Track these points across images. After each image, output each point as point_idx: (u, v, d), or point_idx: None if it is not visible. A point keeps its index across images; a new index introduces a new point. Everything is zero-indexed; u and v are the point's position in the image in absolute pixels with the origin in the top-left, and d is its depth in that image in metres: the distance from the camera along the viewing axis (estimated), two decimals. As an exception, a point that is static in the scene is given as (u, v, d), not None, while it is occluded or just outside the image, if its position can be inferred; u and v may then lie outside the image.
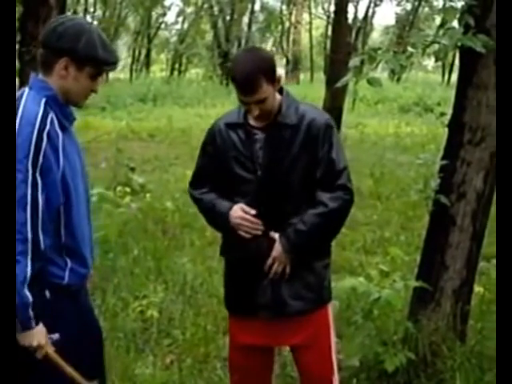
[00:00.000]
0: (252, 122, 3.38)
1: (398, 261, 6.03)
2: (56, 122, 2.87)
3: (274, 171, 3.32)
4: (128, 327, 5.48)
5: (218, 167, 3.45)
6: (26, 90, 2.91)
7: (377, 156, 14.40)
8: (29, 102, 2.84)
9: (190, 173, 11.90)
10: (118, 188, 10.05)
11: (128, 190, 10.09)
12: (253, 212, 3.33)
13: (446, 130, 4.86)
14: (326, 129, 3.31)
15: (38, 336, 2.83)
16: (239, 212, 3.35)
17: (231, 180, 3.41)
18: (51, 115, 2.85)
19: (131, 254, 7.29)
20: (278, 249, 3.33)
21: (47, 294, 2.90)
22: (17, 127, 2.72)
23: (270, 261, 3.34)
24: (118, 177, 10.99)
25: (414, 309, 4.94)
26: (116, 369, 4.73)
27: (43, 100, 2.86)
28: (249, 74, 3.17)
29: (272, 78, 3.24)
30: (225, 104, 27.27)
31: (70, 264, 2.99)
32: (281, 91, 3.41)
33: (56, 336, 2.94)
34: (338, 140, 3.37)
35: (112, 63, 3.00)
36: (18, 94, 2.89)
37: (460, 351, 4.75)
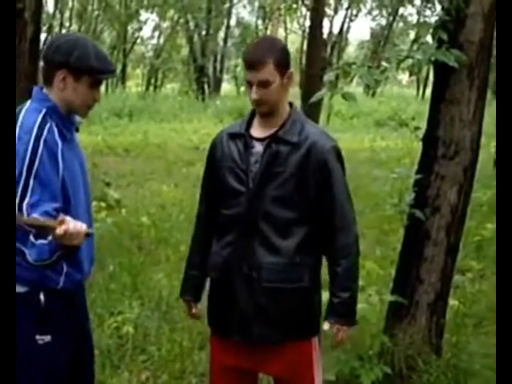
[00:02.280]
0: (254, 132, 3.30)
1: (374, 275, 6.03)
2: (56, 131, 3.01)
3: (266, 186, 3.21)
4: (103, 343, 5.43)
5: (214, 177, 3.38)
6: (28, 102, 3.06)
7: (352, 170, 14.35)
8: (28, 113, 3.00)
9: (166, 188, 11.84)
10: (94, 203, 9.98)
11: (103, 205, 10.06)
12: None
13: (421, 144, 4.89)
14: (328, 155, 3.20)
15: None
16: None
17: (223, 191, 3.32)
18: (50, 124, 2.99)
19: (107, 269, 7.25)
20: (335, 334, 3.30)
21: (41, 297, 2.98)
22: (16, 136, 2.85)
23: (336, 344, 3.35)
24: (93, 192, 10.85)
25: (389, 323, 4.95)
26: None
27: (43, 110, 3.00)
28: (257, 50, 3.21)
29: (281, 65, 3.20)
30: (201, 119, 27.26)
31: (65, 269, 3.04)
32: (290, 106, 3.35)
33: (48, 338, 3.00)
34: (342, 168, 3.28)
35: (107, 72, 3.15)
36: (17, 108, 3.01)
37: (435, 365, 4.76)
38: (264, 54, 3.16)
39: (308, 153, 3.19)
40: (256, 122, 3.33)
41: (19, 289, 2.89)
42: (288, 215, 3.21)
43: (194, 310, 3.60)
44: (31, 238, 2.78)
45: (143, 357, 5.41)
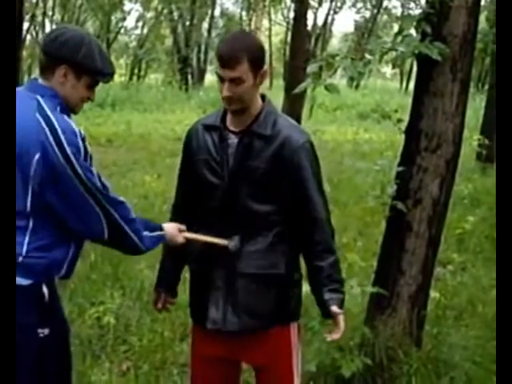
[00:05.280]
0: (229, 125, 3.25)
1: (355, 267, 6.05)
2: None
3: (241, 180, 3.18)
4: (84, 334, 5.43)
5: (190, 169, 3.35)
6: (39, 97, 2.91)
7: (335, 162, 14.49)
8: (55, 112, 2.88)
9: (148, 178, 11.78)
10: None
11: (86, 195, 10.01)
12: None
13: (403, 136, 4.90)
14: (301, 151, 3.16)
15: (172, 232, 3.24)
16: None
17: (199, 184, 3.29)
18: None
19: (88, 259, 7.22)
20: (340, 322, 3.23)
21: (44, 289, 2.93)
22: (62, 137, 2.84)
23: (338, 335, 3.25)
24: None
25: (370, 314, 4.97)
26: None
27: (57, 108, 2.92)
28: (233, 47, 3.07)
29: (255, 63, 3.10)
30: (184, 110, 27.22)
31: (70, 255, 3.01)
32: (263, 99, 3.28)
33: (47, 331, 2.94)
34: (315, 164, 3.22)
35: (108, 74, 3.06)
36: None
37: (416, 356, 4.78)
38: (239, 52, 3.06)
39: (281, 147, 3.15)
40: (229, 115, 3.28)
41: (23, 281, 2.83)
42: (264, 208, 3.20)
43: (159, 305, 3.71)
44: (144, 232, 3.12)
45: (124, 347, 5.41)
